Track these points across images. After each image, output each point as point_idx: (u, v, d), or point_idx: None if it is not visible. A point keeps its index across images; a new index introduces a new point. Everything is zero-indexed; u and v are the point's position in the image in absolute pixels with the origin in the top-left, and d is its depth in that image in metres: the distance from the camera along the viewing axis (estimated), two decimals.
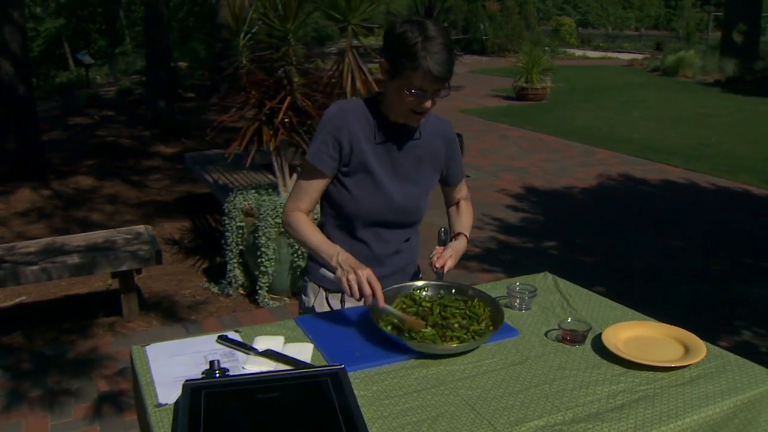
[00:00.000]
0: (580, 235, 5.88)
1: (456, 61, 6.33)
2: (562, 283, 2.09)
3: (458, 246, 2.04)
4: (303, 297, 2.11)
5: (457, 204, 2.23)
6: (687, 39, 24.62)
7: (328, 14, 4.45)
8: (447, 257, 1.94)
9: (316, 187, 1.94)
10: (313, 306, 2.06)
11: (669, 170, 8.12)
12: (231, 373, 1.48)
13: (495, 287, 2.07)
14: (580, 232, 5.98)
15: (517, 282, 1.97)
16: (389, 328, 1.72)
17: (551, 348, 1.68)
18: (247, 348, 1.66)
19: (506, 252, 5.48)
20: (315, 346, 1.68)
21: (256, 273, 4.44)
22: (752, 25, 18.29)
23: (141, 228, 4.53)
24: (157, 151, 9.83)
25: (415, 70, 1.73)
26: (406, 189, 1.96)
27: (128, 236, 4.34)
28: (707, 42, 22.77)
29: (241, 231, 4.45)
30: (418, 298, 1.86)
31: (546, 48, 18.89)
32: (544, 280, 2.12)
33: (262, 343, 1.69)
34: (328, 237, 1.97)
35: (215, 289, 4.72)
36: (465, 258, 2.18)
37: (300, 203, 1.96)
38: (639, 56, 22.99)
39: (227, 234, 4.49)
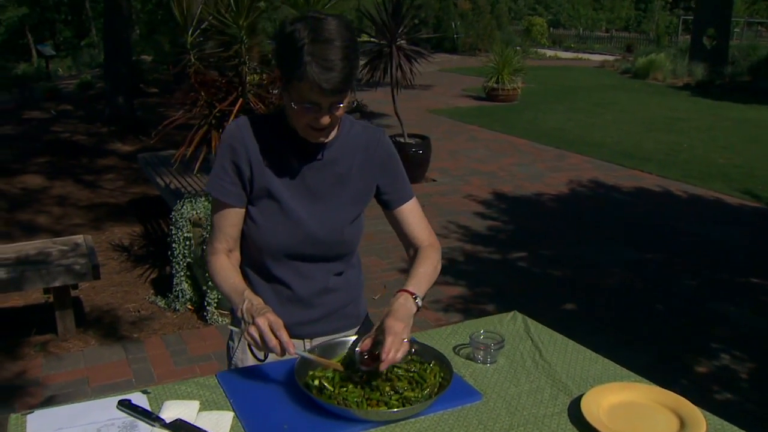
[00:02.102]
0: (549, 246, 5.64)
1: (425, 60, 5.95)
2: (534, 326, 1.81)
3: (396, 319, 1.48)
4: (229, 342, 1.81)
5: (416, 249, 1.76)
6: (657, 42, 24.68)
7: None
8: (389, 350, 1.42)
9: (228, 221, 1.64)
10: (237, 354, 1.77)
11: (642, 177, 7.94)
12: None
13: (456, 332, 1.79)
14: (549, 242, 5.75)
15: (482, 330, 1.68)
16: (315, 383, 1.46)
17: (520, 418, 1.40)
18: (151, 418, 1.36)
19: (471, 263, 5.22)
20: (236, 414, 1.38)
21: (204, 287, 4.12)
22: (721, 30, 18.30)
23: (79, 238, 4.17)
24: (113, 149, 9.43)
25: (300, 79, 1.41)
26: (324, 215, 1.64)
27: (64, 247, 3.98)
28: (677, 45, 22.82)
29: (188, 242, 4.12)
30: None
31: (518, 48, 18.71)
32: (512, 323, 1.84)
33: (171, 409, 1.39)
34: (247, 277, 1.68)
35: (162, 303, 4.39)
36: None
37: (217, 243, 1.67)
38: (610, 58, 22.96)
39: (174, 245, 4.16)
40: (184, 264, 4.21)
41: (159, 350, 3.84)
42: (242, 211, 1.64)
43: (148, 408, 1.41)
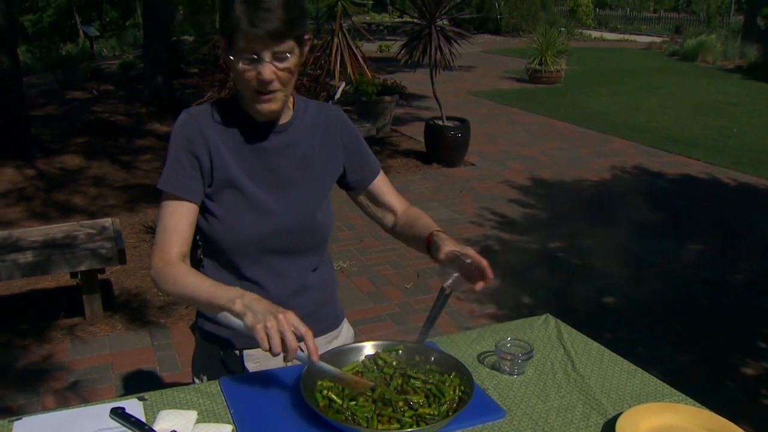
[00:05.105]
0: (589, 236, 5.43)
1: (467, 42, 5.78)
2: (568, 333, 1.66)
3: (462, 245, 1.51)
4: (194, 356, 1.70)
5: (397, 214, 1.71)
6: (707, 22, 23.86)
7: None
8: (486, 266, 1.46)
9: (186, 220, 1.48)
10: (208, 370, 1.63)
11: (688, 163, 7.63)
12: None
13: (482, 337, 1.65)
14: (590, 232, 5.53)
15: (509, 337, 1.54)
16: (323, 395, 1.32)
17: None
18: (144, 429, 1.26)
19: (507, 252, 5.05)
20: (234, 428, 1.27)
21: None
22: None
23: (107, 221, 4.13)
24: (151, 129, 9.44)
25: (236, 30, 1.32)
26: (292, 201, 1.52)
27: (92, 231, 3.93)
28: (729, 26, 22.04)
29: None
30: (382, 362, 1.44)
31: (562, 29, 18.23)
32: (544, 328, 1.69)
33: (167, 420, 1.28)
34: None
35: None
36: None
37: (170, 248, 1.46)
38: (657, 39, 22.29)
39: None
40: None
41: (185, 337, 3.78)
42: (198, 209, 1.50)
43: (143, 417, 1.30)
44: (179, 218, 1.47)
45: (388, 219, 1.72)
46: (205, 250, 1.58)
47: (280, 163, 1.51)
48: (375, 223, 1.77)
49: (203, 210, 1.51)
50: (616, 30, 27.08)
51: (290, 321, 1.24)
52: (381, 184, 1.69)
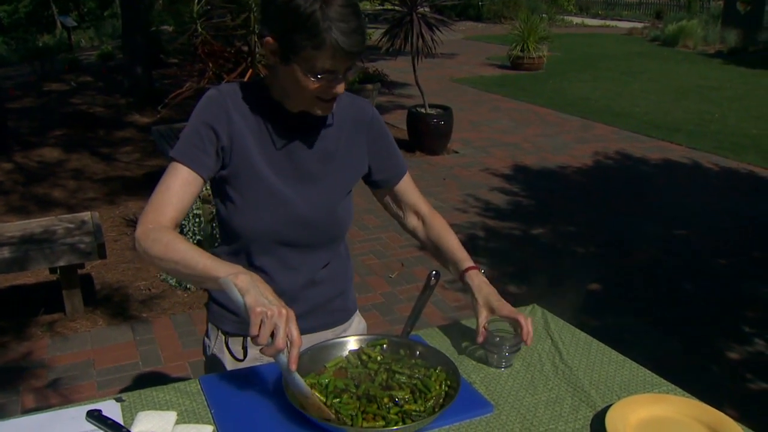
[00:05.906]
0: (573, 222, 5.43)
1: (449, 28, 5.76)
2: (555, 323, 1.64)
3: (492, 292, 1.53)
4: (205, 339, 1.65)
5: (423, 221, 1.69)
6: (688, 8, 23.92)
7: None
8: (528, 331, 1.45)
9: (188, 189, 1.40)
10: (213, 352, 1.61)
11: (670, 148, 7.65)
12: None
13: (469, 330, 1.62)
14: (574, 218, 5.54)
15: (496, 329, 1.51)
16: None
17: None
18: None
19: (492, 240, 5.04)
20: (215, 428, 1.24)
21: None
22: None
23: (86, 215, 4.06)
24: (131, 121, 9.32)
25: (319, 48, 1.28)
26: (312, 194, 1.48)
27: (70, 225, 3.87)
28: (709, 11, 22.12)
29: (198, 219, 3.99)
30: (366, 357, 1.41)
31: (543, 15, 18.20)
32: (531, 318, 1.67)
33: (145, 422, 1.24)
34: None
35: (173, 281, 4.28)
36: None
37: (167, 210, 1.38)
38: (639, 25, 22.32)
39: (183, 222, 4.04)
40: (194, 242, 4.08)
41: (167, 331, 3.74)
42: (203, 184, 1.44)
43: (120, 419, 1.26)
44: (184, 185, 1.40)
45: (411, 220, 1.70)
46: (223, 237, 1.55)
47: (303, 156, 1.47)
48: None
49: (221, 194, 1.48)
50: (597, 16, 27.09)
51: (290, 322, 1.18)
52: (406, 185, 1.67)
